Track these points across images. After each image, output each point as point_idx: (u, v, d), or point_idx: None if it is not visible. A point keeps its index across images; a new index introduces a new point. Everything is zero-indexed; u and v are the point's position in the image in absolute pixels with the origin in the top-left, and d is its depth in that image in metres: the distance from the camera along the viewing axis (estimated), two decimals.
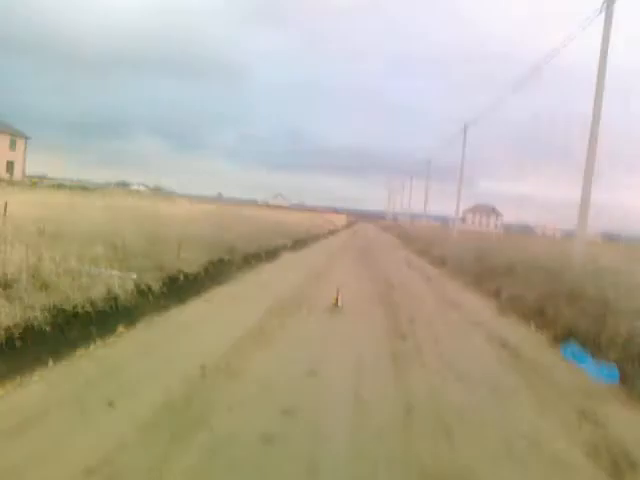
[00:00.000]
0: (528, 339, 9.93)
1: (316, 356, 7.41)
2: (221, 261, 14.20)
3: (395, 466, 4.35)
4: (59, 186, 51.32)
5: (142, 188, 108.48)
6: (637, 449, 5.01)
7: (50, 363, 5.98)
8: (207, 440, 4.50)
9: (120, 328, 7.67)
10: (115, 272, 9.15)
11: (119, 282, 8.65)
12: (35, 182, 53.37)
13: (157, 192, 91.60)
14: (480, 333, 10.05)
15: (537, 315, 11.49)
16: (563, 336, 9.60)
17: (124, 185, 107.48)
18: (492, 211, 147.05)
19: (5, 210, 11.53)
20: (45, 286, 7.42)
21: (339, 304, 10.90)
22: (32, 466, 3.84)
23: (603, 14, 15.07)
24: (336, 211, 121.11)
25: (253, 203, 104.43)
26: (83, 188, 51.75)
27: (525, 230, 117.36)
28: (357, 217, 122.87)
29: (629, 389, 6.97)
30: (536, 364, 8.04)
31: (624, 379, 7.25)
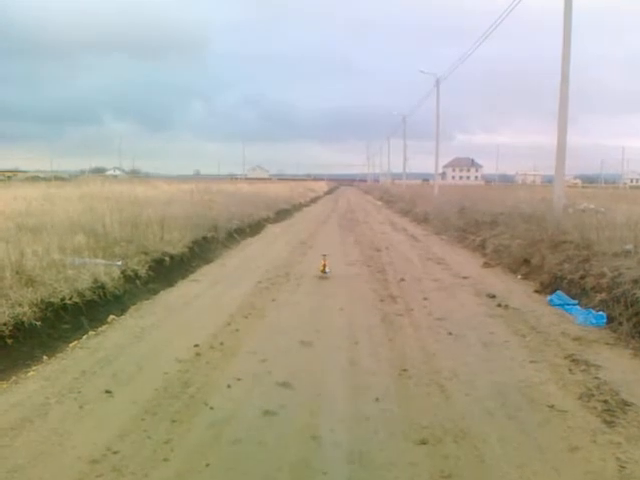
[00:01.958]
0: (514, 289, 10.08)
1: (308, 326, 7.47)
2: (205, 239, 14.13)
3: (394, 427, 4.44)
4: (34, 178, 50.56)
5: (118, 173, 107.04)
6: (626, 389, 5.15)
7: (44, 358, 5.99)
8: (208, 419, 4.55)
9: (110, 316, 7.67)
10: (99, 260, 9.08)
11: (105, 270, 8.60)
12: (9, 176, 52.51)
13: (134, 176, 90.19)
14: (467, 287, 10.18)
15: (522, 264, 11.64)
16: (549, 283, 9.75)
17: (100, 171, 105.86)
18: (471, 164, 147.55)
19: None
20: (31, 281, 7.36)
21: (326, 271, 10.94)
22: (36, 461, 3.86)
23: None
24: (317, 178, 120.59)
25: (232, 177, 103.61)
26: (58, 178, 50.99)
27: (506, 180, 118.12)
28: (338, 182, 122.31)
29: (616, 331, 7.03)
30: (523, 313, 8.17)
31: (611, 321, 7.31)
